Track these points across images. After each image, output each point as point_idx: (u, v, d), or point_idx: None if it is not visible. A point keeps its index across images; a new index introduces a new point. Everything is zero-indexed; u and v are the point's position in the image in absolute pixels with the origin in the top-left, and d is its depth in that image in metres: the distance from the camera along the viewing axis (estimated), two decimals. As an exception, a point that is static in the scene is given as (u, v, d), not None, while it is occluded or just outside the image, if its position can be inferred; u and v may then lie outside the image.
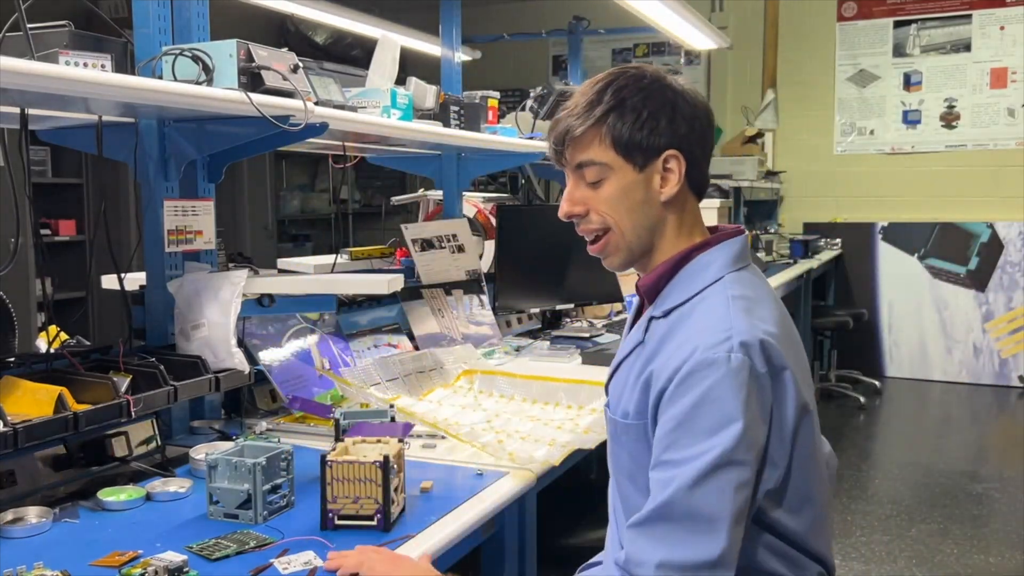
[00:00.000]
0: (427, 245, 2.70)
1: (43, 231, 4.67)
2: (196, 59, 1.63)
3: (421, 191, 3.54)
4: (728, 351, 1.10)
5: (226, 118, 1.73)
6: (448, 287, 2.70)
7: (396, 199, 3.69)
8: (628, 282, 2.89)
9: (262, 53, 1.69)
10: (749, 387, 1.10)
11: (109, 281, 1.98)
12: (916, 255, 6.38)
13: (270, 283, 2.05)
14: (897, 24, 6.53)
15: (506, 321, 3.03)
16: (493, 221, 3.17)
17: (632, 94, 1.21)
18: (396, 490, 1.35)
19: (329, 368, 2.11)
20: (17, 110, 1.63)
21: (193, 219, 1.88)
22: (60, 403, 1.46)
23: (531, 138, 3.03)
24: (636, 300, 1.37)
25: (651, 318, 1.24)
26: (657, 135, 1.21)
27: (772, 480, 1.14)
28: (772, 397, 1.13)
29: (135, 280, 1.94)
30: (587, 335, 2.96)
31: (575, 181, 1.26)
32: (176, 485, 1.51)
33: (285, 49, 1.78)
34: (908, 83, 6.53)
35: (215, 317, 1.78)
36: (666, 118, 1.21)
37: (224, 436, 1.78)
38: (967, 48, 6.36)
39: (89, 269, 4.40)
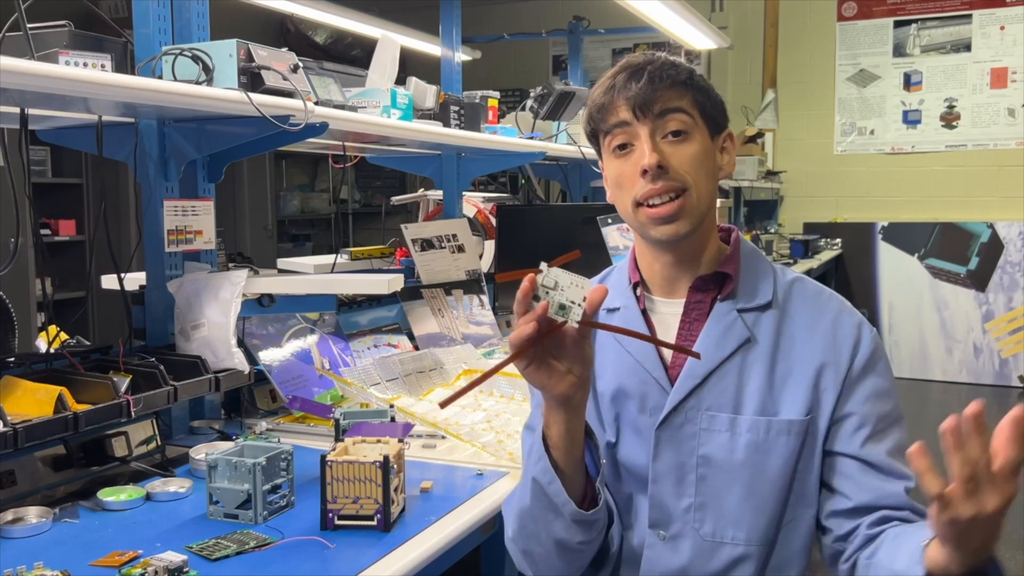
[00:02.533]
0: (427, 245, 2.69)
1: (43, 231, 4.67)
2: (196, 59, 1.63)
3: (421, 191, 3.54)
4: None
5: (226, 118, 1.73)
6: (448, 287, 2.70)
7: (396, 199, 3.69)
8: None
9: (262, 53, 1.69)
10: None
11: (109, 281, 1.98)
12: (916, 255, 6.38)
13: (270, 283, 2.05)
14: (897, 24, 6.53)
15: (506, 321, 3.02)
16: (493, 221, 3.17)
17: (700, 74, 1.25)
18: (396, 490, 1.35)
19: (329, 368, 2.11)
20: (17, 110, 1.63)
21: (193, 219, 1.88)
22: (60, 403, 1.46)
23: (531, 138, 3.03)
24: (624, 293, 1.28)
25: (739, 310, 1.22)
26: (722, 114, 1.25)
27: None
28: None
29: (135, 280, 1.94)
30: (587, 335, 2.95)
31: (651, 134, 1.17)
32: (176, 485, 1.51)
33: (285, 49, 1.78)
34: (908, 83, 6.53)
35: (215, 317, 1.78)
36: (724, 104, 1.26)
37: (224, 436, 1.78)
38: (967, 48, 6.36)
39: (89, 269, 4.39)
